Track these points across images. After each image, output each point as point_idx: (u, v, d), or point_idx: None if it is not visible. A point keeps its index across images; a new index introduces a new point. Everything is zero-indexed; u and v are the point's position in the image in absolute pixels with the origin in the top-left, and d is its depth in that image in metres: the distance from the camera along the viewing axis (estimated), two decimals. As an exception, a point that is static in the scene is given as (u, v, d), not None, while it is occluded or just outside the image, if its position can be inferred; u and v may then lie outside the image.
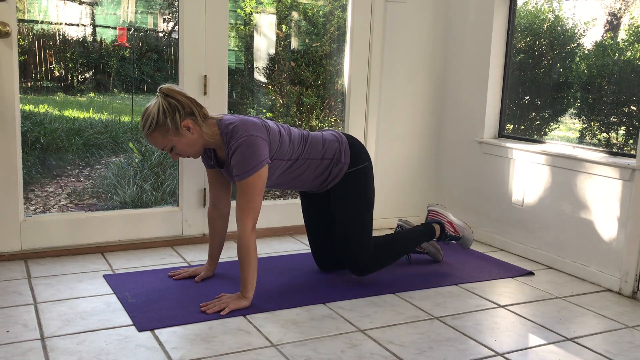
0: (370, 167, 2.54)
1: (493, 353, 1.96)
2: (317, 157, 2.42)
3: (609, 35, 3.05)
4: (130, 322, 2.08)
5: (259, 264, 2.29)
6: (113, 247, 2.88)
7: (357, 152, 2.50)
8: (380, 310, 2.29)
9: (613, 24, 3.07)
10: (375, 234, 3.21)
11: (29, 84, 3.39)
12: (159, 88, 2.20)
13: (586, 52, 3.09)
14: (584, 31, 3.11)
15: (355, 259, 2.49)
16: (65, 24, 3.44)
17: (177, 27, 3.38)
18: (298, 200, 3.27)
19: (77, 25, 3.48)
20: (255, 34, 3.65)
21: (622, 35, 3.01)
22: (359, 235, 2.48)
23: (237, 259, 2.71)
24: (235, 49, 3.63)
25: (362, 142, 3.33)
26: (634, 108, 2.86)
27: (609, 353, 2.00)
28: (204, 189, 3.01)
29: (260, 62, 3.65)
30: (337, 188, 2.48)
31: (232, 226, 2.78)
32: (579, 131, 3.13)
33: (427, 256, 2.89)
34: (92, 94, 3.65)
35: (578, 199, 2.75)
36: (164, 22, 3.79)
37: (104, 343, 1.91)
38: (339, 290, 2.47)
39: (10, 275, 2.50)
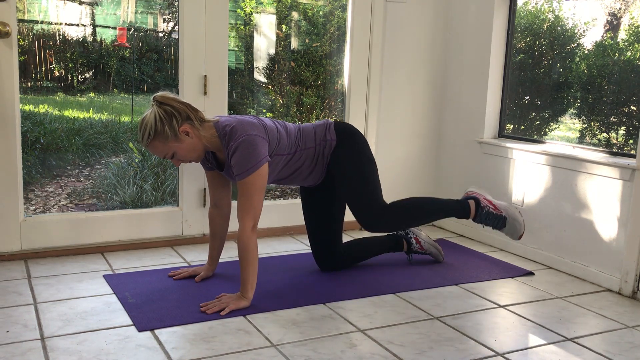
0: (359, 134, 2.52)
1: (493, 353, 1.96)
2: (312, 145, 2.44)
3: (609, 35, 3.05)
4: (130, 322, 2.08)
5: (259, 263, 2.29)
6: (113, 247, 2.88)
7: (341, 126, 2.50)
8: (380, 310, 2.29)
9: (613, 24, 3.07)
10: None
11: (29, 84, 3.39)
12: (152, 97, 2.22)
13: (586, 52, 3.09)
14: (584, 31, 3.11)
15: (366, 208, 2.42)
16: (65, 24, 3.44)
17: (177, 27, 3.38)
18: (298, 200, 3.27)
19: (77, 25, 3.48)
20: (255, 34, 3.65)
21: (622, 35, 3.02)
22: (366, 187, 2.44)
23: (237, 259, 2.72)
24: (235, 49, 3.63)
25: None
26: (634, 108, 2.86)
27: (609, 353, 2.00)
28: (204, 189, 3.01)
29: (260, 62, 3.65)
30: (333, 157, 2.47)
31: (232, 226, 2.78)
32: (579, 131, 3.13)
33: (429, 257, 2.89)
34: (92, 94, 3.65)
35: (578, 199, 2.75)
36: (164, 22, 3.79)
37: (104, 343, 1.91)
38: (339, 290, 2.47)
39: (10, 275, 2.50)
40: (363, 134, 3.35)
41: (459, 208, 2.58)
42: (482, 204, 2.57)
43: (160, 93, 2.23)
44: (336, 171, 2.47)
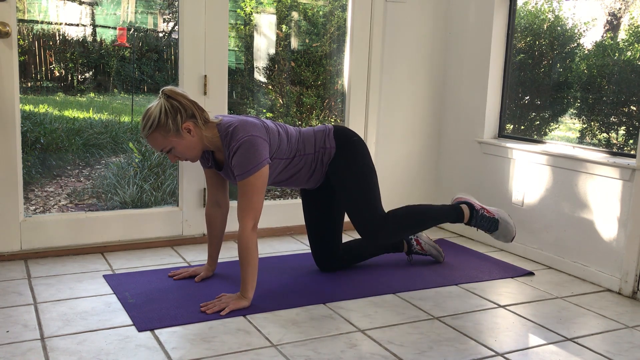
0: (359, 141, 2.50)
1: (493, 353, 1.96)
2: (311, 152, 2.43)
3: (609, 35, 3.05)
4: (130, 322, 2.08)
5: (259, 263, 2.29)
6: (113, 247, 2.88)
7: (340, 133, 2.48)
8: (380, 310, 2.29)
9: (613, 24, 3.07)
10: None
11: (29, 84, 3.39)
12: (161, 90, 2.22)
13: (586, 52, 3.09)
14: (584, 31, 3.11)
15: (365, 219, 2.39)
16: (65, 24, 3.44)
17: (177, 27, 3.38)
18: (298, 200, 3.28)
19: (77, 25, 3.48)
20: (255, 34, 3.65)
21: (622, 35, 3.01)
22: (366, 197, 2.41)
23: (237, 258, 2.72)
24: (235, 49, 3.63)
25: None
26: (634, 108, 2.86)
27: (609, 353, 2.00)
28: (204, 189, 3.01)
29: (260, 62, 3.65)
30: (333, 167, 2.46)
31: (232, 226, 2.78)
32: (579, 131, 3.13)
33: (430, 257, 2.89)
34: (92, 94, 3.65)
35: (578, 199, 2.75)
36: (164, 22, 3.79)
37: (104, 343, 1.92)
38: (339, 290, 2.47)
39: (10, 275, 2.50)
40: (363, 134, 3.36)
41: (453, 212, 2.57)
42: (477, 207, 2.57)
43: (169, 87, 2.23)
44: (336, 181, 2.46)
